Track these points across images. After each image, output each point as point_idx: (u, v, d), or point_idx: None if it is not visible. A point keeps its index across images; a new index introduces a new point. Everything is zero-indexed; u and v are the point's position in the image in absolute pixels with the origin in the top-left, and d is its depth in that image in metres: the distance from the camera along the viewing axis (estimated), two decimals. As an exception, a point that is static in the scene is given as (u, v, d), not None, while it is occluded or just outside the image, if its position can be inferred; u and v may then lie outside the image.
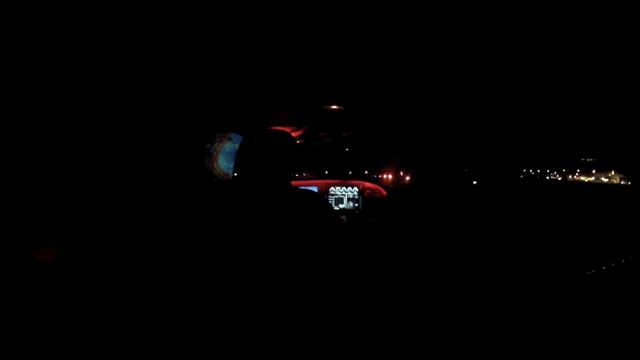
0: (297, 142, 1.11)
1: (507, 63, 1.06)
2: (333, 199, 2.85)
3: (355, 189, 2.87)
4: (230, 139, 1.59)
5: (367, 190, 2.87)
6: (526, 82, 1.20)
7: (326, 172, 3.00)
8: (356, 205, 2.86)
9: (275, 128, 1.32)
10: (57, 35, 0.86)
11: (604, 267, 1.41)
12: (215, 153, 1.56)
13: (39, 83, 1.08)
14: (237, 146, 1.57)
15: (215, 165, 1.56)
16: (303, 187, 1.09)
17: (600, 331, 1.26)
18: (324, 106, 1.68)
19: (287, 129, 1.68)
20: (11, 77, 1.00)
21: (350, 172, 3.15)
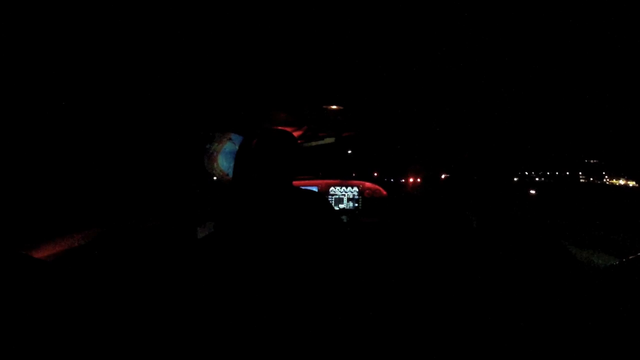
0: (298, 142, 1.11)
1: (519, 59, 1.04)
2: (333, 199, 2.85)
3: (355, 189, 2.87)
4: (230, 139, 1.58)
5: (367, 191, 2.87)
6: (560, 82, 1.16)
7: (320, 174, 2.96)
8: (356, 205, 2.86)
9: (276, 128, 1.32)
10: (58, 36, 0.86)
11: (603, 267, 1.41)
12: (215, 153, 1.55)
13: (39, 83, 1.08)
14: (237, 146, 1.57)
15: (215, 165, 1.55)
16: (304, 187, 1.09)
17: (601, 331, 1.26)
18: (324, 106, 1.68)
19: (287, 129, 1.68)
20: (11, 78, 1.01)
21: (353, 174, 3.13)
